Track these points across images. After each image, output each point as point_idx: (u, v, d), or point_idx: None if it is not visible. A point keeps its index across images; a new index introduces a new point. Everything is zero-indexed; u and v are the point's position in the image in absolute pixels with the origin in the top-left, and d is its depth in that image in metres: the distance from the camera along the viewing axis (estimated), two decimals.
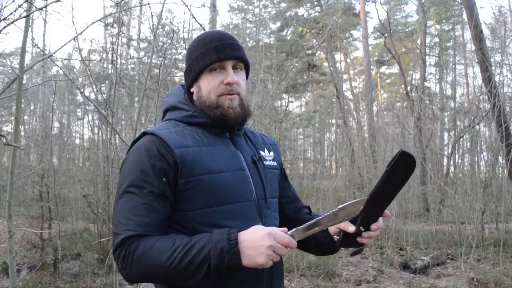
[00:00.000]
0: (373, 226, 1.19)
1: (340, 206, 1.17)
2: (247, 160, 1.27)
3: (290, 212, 1.43)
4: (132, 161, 1.18)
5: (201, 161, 1.17)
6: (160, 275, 1.07)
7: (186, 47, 1.41)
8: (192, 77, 1.28)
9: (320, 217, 1.15)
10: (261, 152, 1.35)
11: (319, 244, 1.32)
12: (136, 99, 11.49)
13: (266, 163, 1.33)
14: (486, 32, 12.37)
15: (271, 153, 1.39)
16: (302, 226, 1.12)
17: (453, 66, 20.44)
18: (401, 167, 1.12)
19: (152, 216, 1.12)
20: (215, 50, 1.24)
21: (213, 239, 1.05)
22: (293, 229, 1.11)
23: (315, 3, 21.68)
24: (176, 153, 1.15)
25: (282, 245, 1.05)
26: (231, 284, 1.15)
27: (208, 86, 1.25)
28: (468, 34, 17.08)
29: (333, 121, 22.20)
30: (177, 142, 1.17)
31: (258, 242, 1.03)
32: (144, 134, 1.24)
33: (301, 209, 1.45)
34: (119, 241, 1.09)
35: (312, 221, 1.14)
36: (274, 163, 1.38)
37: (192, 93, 1.32)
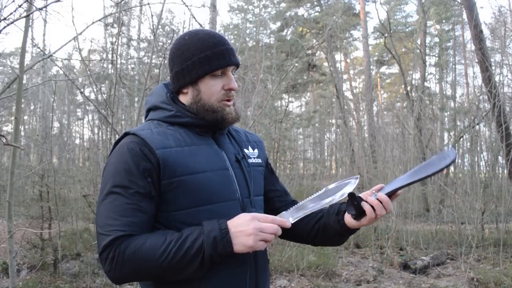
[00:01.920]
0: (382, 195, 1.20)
1: (327, 187, 1.23)
2: (231, 159, 1.27)
3: (279, 206, 1.44)
4: (115, 161, 1.16)
5: (184, 161, 1.16)
6: (152, 271, 1.08)
7: None
8: (192, 79, 1.24)
9: (307, 200, 1.21)
10: (245, 150, 1.35)
11: (326, 230, 1.32)
12: (136, 99, 11.48)
13: (250, 161, 1.34)
14: (486, 32, 12.37)
15: (255, 150, 1.40)
16: (288, 210, 1.20)
17: (453, 66, 20.49)
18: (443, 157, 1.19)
19: (139, 216, 1.11)
20: (223, 56, 1.23)
21: (205, 230, 1.08)
22: (279, 214, 1.19)
23: (315, 3, 21.69)
24: (158, 154, 1.14)
25: (268, 224, 1.09)
26: (216, 281, 1.15)
27: (210, 91, 1.23)
28: (468, 34, 17.12)
29: (333, 121, 22.24)
30: (159, 143, 1.16)
31: (244, 226, 1.08)
32: (126, 134, 1.22)
33: (291, 203, 1.46)
34: (107, 242, 1.07)
35: (298, 204, 1.21)
36: (259, 160, 1.38)
37: (179, 93, 1.29)
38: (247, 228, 1.07)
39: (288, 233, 1.30)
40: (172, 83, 1.30)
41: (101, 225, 1.11)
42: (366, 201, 1.19)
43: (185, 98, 1.28)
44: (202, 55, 1.22)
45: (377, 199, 1.19)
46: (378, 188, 1.25)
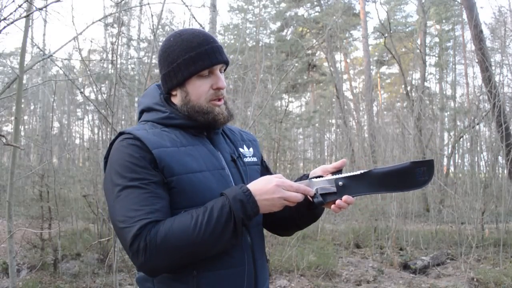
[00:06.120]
0: (345, 197, 1.15)
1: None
2: (227, 158, 1.27)
3: None
4: (118, 158, 1.15)
5: (180, 161, 1.16)
6: (189, 250, 1.06)
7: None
8: (178, 81, 1.23)
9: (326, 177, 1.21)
10: (240, 149, 1.35)
11: (299, 210, 1.28)
12: (136, 99, 11.47)
13: (246, 160, 1.34)
14: (486, 32, 12.38)
15: (251, 149, 1.40)
16: (312, 179, 1.19)
17: (453, 66, 20.47)
18: (419, 171, 1.14)
19: (160, 203, 1.10)
20: (207, 55, 1.21)
21: (229, 196, 1.09)
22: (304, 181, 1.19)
23: (315, 3, 21.70)
24: (155, 153, 1.13)
25: (292, 193, 1.11)
26: (214, 280, 1.15)
27: (197, 92, 1.23)
28: (468, 34, 17.09)
29: (333, 121, 22.20)
30: (155, 143, 1.16)
31: (269, 194, 1.10)
32: (120, 134, 1.22)
33: None
34: (135, 232, 1.04)
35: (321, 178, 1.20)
36: (254, 159, 1.38)
37: (171, 94, 1.29)
38: (272, 198, 1.10)
39: (272, 226, 1.36)
40: (162, 85, 1.31)
41: (121, 220, 1.07)
42: (335, 204, 1.16)
43: (176, 100, 1.28)
44: (186, 56, 1.21)
45: (344, 201, 1.15)
46: (340, 165, 1.23)
